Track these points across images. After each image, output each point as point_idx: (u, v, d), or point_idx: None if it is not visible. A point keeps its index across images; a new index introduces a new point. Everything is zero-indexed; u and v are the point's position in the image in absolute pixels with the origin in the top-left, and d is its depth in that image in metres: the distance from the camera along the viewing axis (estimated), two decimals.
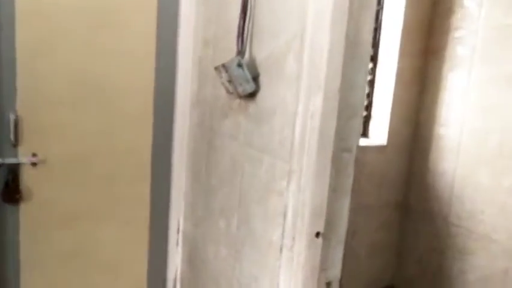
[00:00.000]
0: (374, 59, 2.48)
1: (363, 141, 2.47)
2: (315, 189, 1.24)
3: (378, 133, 2.47)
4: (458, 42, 2.24)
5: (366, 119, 2.54)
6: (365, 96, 1.16)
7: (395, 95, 2.39)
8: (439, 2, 2.35)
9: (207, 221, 1.79)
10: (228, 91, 1.44)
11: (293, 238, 1.27)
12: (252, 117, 1.47)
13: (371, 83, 2.51)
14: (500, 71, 2.03)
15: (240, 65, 1.34)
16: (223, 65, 1.35)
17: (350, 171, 1.34)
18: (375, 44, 2.47)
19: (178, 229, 2.04)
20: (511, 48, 1.99)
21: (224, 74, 1.36)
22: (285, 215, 1.30)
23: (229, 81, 1.36)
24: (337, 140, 1.25)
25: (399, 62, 2.36)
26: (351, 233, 2.52)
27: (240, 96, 1.38)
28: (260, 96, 1.40)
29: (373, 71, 2.50)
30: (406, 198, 2.54)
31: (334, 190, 1.32)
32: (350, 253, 2.54)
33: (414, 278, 2.49)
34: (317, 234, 1.29)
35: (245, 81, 1.35)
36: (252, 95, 1.42)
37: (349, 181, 1.36)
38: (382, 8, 2.44)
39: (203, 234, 1.82)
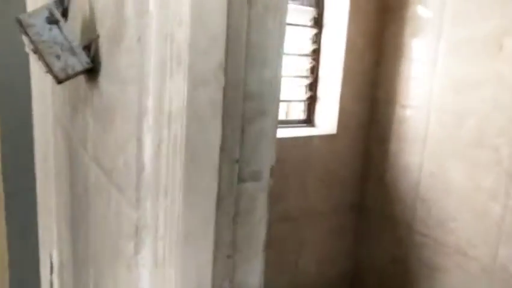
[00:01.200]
0: (318, 22, 1.92)
1: (307, 131, 1.93)
2: (184, 264, 0.65)
3: (326, 119, 1.93)
4: None
5: (311, 102, 1.99)
6: (280, 80, 0.56)
7: (345, 68, 1.84)
8: None
9: (71, 270, 1.20)
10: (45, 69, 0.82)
11: None
12: (97, 115, 0.87)
13: (316, 54, 1.95)
14: (476, 33, 1.52)
15: (53, 21, 0.73)
16: (19, 20, 0.73)
17: (262, 214, 0.75)
18: (319, 3, 1.90)
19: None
20: (490, 4, 1.47)
21: (25, 38, 0.75)
22: None
23: (35, 51, 0.74)
24: (228, 161, 0.65)
25: (349, 26, 1.81)
26: (297, 245, 2.01)
27: (59, 80, 0.77)
28: (104, 80, 0.80)
29: (317, 38, 1.94)
30: (363, 199, 2.04)
31: (228, 256, 0.71)
32: (295, 271, 2.06)
33: None
34: None
35: (67, 52, 0.74)
36: (92, 77, 0.82)
37: (259, 234, 0.76)
38: None
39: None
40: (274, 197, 1.68)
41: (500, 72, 1.46)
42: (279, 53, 0.60)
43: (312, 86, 1.98)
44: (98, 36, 0.78)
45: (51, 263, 1.43)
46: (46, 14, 0.73)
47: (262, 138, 0.68)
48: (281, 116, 2.07)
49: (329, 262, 2.05)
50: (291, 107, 2.11)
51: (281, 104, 2.07)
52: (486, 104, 1.51)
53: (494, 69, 1.48)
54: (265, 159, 0.65)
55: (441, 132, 1.67)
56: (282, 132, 1.84)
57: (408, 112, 1.80)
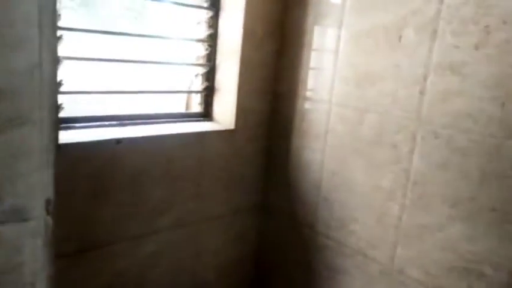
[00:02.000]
0: (215, 4, 1.71)
1: (203, 126, 1.73)
2: None
3: (224, 113, 1.74)
4: None
5: (209, 93, 1.79)
6: (52, 71, 0.33)
7: (243, 57, 1.66)
8: None
9: None
10: None
11: None
12: None
13: (213, 39, 1.74)
14: (377, 23, 1.42)
15: None
16: None
17: (32, 269, 0.52)
18: None
19: None
20: None
21: None
22: None
23: None
24: None
25: (247, 10, 1.62)
26: (194, 253, 1.82)
27: None
28: None
29: (214, 22, 1.73)
30: (265, 199, 1.91)
31: None
32: (193, 280, 1.86)
33: None
34: None
35: None
36: None
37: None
38: None
39: None
40: (165, 203, 1.47)
41: (398, 65, 1.38)
42: (48, 31, 0.39)
43: (209, 76, 1.77)
44: None
45: None
46: None
47: (21, 156, 0.45)
48: (181, 109, 1.84)
49: (230, 268, 1.89)
50: (192, 99, 1.88)
51: (179, 96, 1.85)
52: (385, 99, 1.43)
53: (393, 62, 1.39)
54: (34, 189, 0.43)
55: (343, 128, 1.57)
56: (173, 128, 1.62)
57: (310, 106, 1.68)
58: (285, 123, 1.77)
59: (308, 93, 1.68)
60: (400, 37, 1.37)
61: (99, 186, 1.40)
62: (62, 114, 1.42)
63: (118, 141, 1.44)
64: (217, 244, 1.81)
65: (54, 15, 0.38)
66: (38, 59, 0.38)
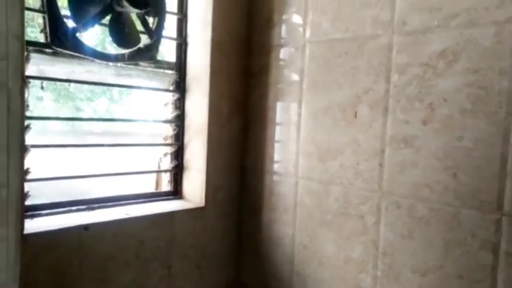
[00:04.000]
0: (180, 86, 1.79)
1: (172, 205, 1.72)
2: None
3: (194, 190, 1.76)
4: (283, 63, 1.69)
5: (178, 172, 1.81)
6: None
7: (210, 135, 1.71)
8: (256, 13, 1.78)
9: None
10: None
11: None
12: None
13: (180, 120, 1.80)
14: (333, 101, 1.51)
15: None
16: None
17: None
18: (180, 66, 1.78)
19: None
20: (343, 74, 1.48)
21: None
22: None
23: None
24: None
25: (211, 90, 1.70)
26: None
27: None
28: None
29: (180, 103, 1.80)
30: (239, 276, 1.87)
31: None
32: None
33: None
34: None
35: None
36: None
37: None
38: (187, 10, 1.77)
39: None
40: (135, 287, 1.40)
41: (357, 139, 1.45)
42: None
43: (178, 155, 1.80)
44: None
45: None
46: None
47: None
48: (150, 189, 1.84)
49: None
50: (161, 178, 1.90)
51: (149, 176, 1.87)
52: (348, 172, 1.48)
53: (352, 137, 1.46)
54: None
55: (310, 201, 1.60)
56: (143, 209, 1.61)
57: (277, 180, 1.72)
58: (254, 198, 1.79)
59: (275, 167, 1.72)
60: (356, 113, 1.45)
61: (64, 276, 1.35)
62: (28, 202, 1.40)
63: (86, 227, 1.41)
64: None
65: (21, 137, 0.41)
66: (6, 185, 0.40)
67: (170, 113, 1.79)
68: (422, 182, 1.29)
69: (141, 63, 1.63)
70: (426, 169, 1.28)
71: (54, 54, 1.39)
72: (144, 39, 1.57)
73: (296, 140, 1.64)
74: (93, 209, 1.56)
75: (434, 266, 1.28)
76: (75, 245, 1.38)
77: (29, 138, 1.35)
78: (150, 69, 1.67)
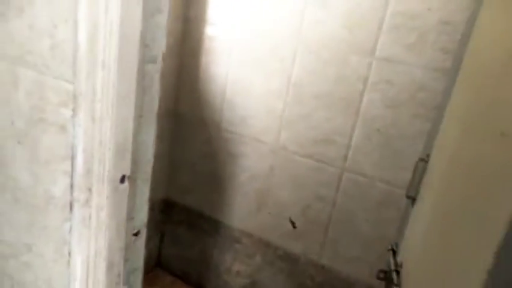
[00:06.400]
0: None
1: None
2: (117, 119, 0.85)
3: None
4: None
5: None
6: None
7: None
8: None
9: None
10: None
11: (89, 189, 0.87)
12: None
13: None
14: None
15: None
16: None
17: (156, 89, 1.00)
18: None
19: None
20: None
21: None
22: (73, 159, 0.86)
23: None
24: (141, 46, 0.88)
25: None
26: None
27: None
28: None
29: None
30: (177, 106, 2.35)
31: (140, 116, 0.96)
32: None
33: (188, 186, 2.43)
34: (122, 179, 0.93)
35: None
36: None
37: (155, 103, 1.02)
38: None
39: None
40: None
41: None
42: None
43: None
44: None
45: None
46: None
47: (159, 28, 0.89)
48: None
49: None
50: None
51: None
52: (277, 24, 1.99)
53: None
54: (160, 46, 0.88)
55: (243, 46, 2.09)
56: None
57: (215, 29, 2.15)
58: (194, 44, 2.21)
59: (213, 18, 2.14)
60: None
61: None
62: None
63: None
64: None
65: None
66: None
67: None
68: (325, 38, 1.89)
69: None
70: (330, 27, 1.87)
71: None
72: None
73: None
74: None
75: (326, 91, 1.96)
76: None
77: None
78: None
